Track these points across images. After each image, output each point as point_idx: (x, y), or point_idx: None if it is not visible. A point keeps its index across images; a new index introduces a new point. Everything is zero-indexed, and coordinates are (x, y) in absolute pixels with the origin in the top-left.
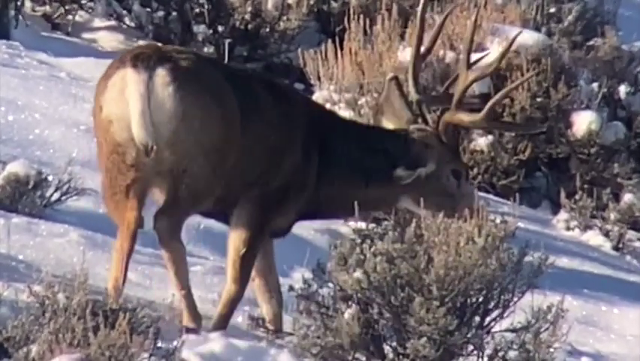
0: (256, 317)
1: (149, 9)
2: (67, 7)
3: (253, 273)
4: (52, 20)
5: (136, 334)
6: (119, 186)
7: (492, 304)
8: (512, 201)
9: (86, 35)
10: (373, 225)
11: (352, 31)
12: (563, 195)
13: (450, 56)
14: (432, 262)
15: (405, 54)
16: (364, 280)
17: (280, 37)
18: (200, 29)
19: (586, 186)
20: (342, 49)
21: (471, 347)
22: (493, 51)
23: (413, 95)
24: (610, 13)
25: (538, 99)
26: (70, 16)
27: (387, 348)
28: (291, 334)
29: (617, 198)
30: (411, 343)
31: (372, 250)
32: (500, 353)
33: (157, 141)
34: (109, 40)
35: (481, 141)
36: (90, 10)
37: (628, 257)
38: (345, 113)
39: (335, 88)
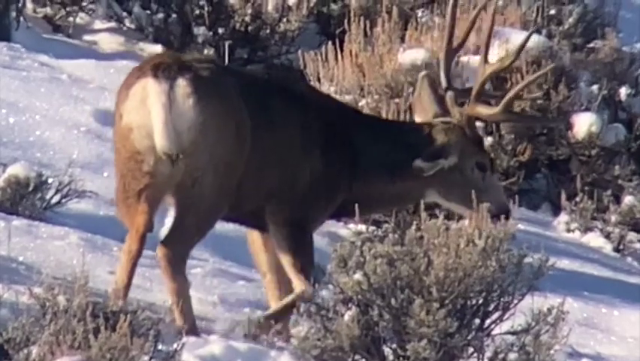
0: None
1: (149, 11)
2: (68, 9)
3: (265, 268)
4: (54, 22)
5: (136, 336)
6: (132, 190)
7: (492, 306)
8: (512, 202)
9: (87, 37)
10: (373, 227)
11: (352, 33)
12: (563, 196)
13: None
14: (432, 264)
15: (405, 56)
16: (364, 282)
17: (280, 39)
18: (200, 31)
19: (586, 187)
20: (342, 51)
21: (471, 350)
22: (494, 53)
23: (442, 89)
24: (610, 15)
25: (539, 101)
26: (71, 18)
27: (387, 350)
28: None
29: (617, 200)
30: (411, 345)
31: (372, 252)
32: (500, 356)
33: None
34: (109, 42)
35: None
36: (91, 12)
37: (629, 259)
38: None
39: (335, 89)
